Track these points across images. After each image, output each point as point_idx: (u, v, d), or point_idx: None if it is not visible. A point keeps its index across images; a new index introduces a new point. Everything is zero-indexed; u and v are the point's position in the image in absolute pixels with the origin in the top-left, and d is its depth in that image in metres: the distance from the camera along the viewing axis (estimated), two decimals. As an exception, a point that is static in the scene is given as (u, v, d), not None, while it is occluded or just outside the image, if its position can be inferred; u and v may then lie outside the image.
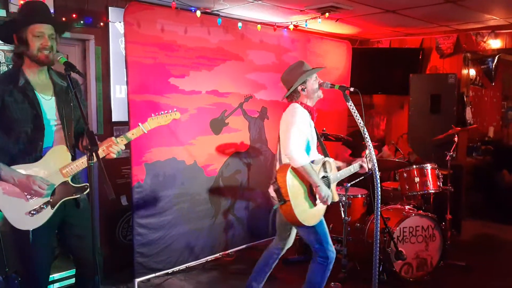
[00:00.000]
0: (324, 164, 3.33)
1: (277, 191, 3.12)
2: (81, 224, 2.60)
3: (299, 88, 3.28)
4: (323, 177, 3.30)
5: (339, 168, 3.47)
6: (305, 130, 3.23)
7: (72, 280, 3.83)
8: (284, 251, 3.63)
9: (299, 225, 3.18)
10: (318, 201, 3.22)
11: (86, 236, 2.49)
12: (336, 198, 3.41)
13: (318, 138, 3.45)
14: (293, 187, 3.11)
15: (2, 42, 3.49)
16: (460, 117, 6.04)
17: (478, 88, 7.10)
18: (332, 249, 3.33)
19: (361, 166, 3.44)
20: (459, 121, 5.86)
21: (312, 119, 3.36)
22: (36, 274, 2.55)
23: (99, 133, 4.18)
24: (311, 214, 3.20)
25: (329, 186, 3.31)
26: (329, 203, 3.25)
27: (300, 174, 3.13)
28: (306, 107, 3.31)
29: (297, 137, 3.12)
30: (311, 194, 3.20)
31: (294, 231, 3.56)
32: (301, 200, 3.15)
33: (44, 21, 2.46)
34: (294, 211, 3.07)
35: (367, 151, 3.41)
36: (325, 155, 3.43)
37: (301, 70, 3.29)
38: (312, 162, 3.23)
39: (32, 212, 2.40)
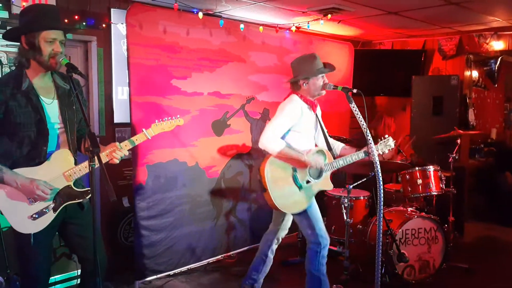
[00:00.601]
0: (317, 153, 3.36)
1: (259, 180, 3.26)
2: (84, 224, 2.60)
3: (301, 82, 3.34)
4: None
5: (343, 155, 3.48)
6: (292, 122, 3.29)
7: (74, 282, 3.85)
8: (279, 238, 3.69)
9: (282, 211, 3.28)
10: (305, 185, 3.25)
11: (89, 237, 2.48)
12: (330, 187, 3.45)
13: (323, 131, 3.49)
14: (272, 176, 3.20)
15: (5, 43, 3.54)
16: (462, 119, 6.02)
17: (480, 90, 7.08)
18: (324, 236, 3.36)
19: (367, 154, 3.35)
20: (461, 123, 5.84)
21: (313, 111, 3.41)
22: (36, 275, 2.55)
23: (101, 134, 4.18)
24: (293, 201, 3.25)
25: (320, 175, 3.35)
26: (319, 167, 3.26)
27: (284, 159, 3.23)
28: (305, 100, 3.37)
29: (276, 130, 3.23)
30: (296, 179, 3.25)
31: (288, 217, 3.59)
32: (281, 186, 3.22)
33: (57, 27, 2.45)
34: (273, 199, 3.17)
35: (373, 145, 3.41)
36: (328, 146, 3.46)
37: (310, 67, 3.32)
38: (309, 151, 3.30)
39: (34, 215, 2.40)
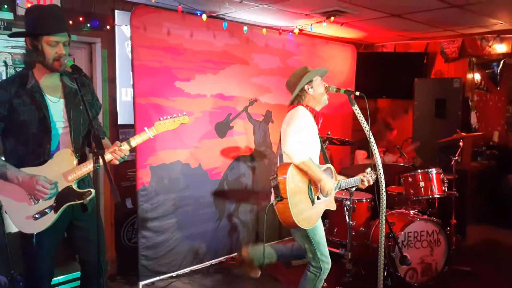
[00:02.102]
0: (325, 171, 3.24)
1: (276, 187, 3.02)
2: (88, 226, 2.59)
3: (306, 87, 3.23)
4: None
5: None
6: (306, 128, 3.15)
7: (77, 283, 3.85)
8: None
9: (293, 226, 3.05)
10: (316, 201, 3.15)
11: (93, 239, 2.48)
12: (334, 208, 3.34)
13: (321, 146, 3.37)
14: (293, 185, 3.01)
15: (10, 45, 3.56)
16: (465, 122, 6.02)
17: (483, 93, 7.07)
18: (326, 260, 3.22)
19: (362, 181, 3.39)
20: (464, 125, 5.84)
21: (317, 123, 3.29)
22: (39, 276, 2.55)
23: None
24: (306, 216, 3.09)
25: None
26: (328, 194, 3.16)
27: (302, 171, 3.07)
28: (311, 110, 3.25)
29: (297, 134, 3.05)
30: (311, 193, 3.13)
31: None
32: (299, 199, 3.05)
33: (60, 30, 2.42)
34: (291, 209, 2.96)
35: (368, 169, 3.42)
36: (326, 161, 3.38)
37: (307, 72, 3.27)
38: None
39: (35, 216, 2.40)
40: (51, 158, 2.46)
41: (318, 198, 3.17)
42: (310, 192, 3.12)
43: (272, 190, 3.08)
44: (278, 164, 3.23)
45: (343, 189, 3.43)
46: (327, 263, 3.22)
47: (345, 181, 3.36)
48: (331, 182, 3.14)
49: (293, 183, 3.02)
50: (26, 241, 2.45)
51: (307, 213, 3.09)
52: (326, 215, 4.37)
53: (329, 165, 3.33)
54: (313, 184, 3.13)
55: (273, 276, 4.33)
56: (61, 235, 2.65)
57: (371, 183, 3.42)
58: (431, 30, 5.71)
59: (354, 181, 3.40)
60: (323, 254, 3.21)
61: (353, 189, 4.07)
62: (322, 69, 3.34)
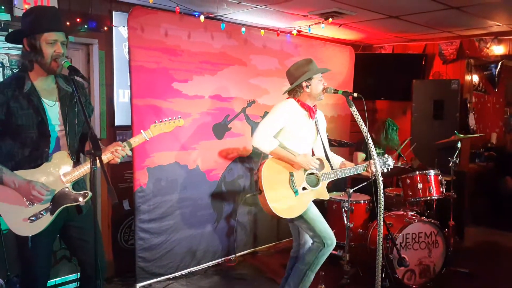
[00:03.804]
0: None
1: (256, 182, 3.19)
2: (85, 228, 2.59)
3: (304, 84, 3.27)
4: (311, 173, 3.30)
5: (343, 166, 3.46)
6: (286, 122, 3.23)
7: (74, 285, 3.84)
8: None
9: (276, 216, 3.18)
10: (301, 191, 3.20)
11: (90, 240, 2.47)
12: (326, 197, 3.38)
13: (321, 139, 3.43)
14: (269, 177, 3.14)
15: (6, 46, 3.54)
16: (463, 123, 6.03)
17: (481, 94, 7.08)
18: (328, 236, 3.27)
19: (365, 170, 3.40)
20: (461, 127, 5.85)
21: (311, 117, 3.35)
22: (34, 277, 2.54)
23: (102, 137, 4.18)
24: (288, 206, 3.16)
25: (318, 183, 3.30)
26: (308, 167, 3.22)
27: (280, 162, 3.19)
28: (303, 104, 3.31)
29: (267, 126, 3.19)
30: (292, 184, 3.19)
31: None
32: (278, 189, 3.15)
33: (58, 28, 2.43)
34: (268, 202, 3.09)
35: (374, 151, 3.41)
36: (326, 156, 3.41)
37: (309, 68, 3.29)
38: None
39: (31, 218, 2.39)
40: (48, 161, 2.45)
41: (304, 189, 3.24)
42: (291, 183, 3.20)
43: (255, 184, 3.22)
44: None
45: (343, 177, 3.43)
46: (329, 239, 3.28)
47: (342, 170, 3.38)
48: (310, 157, 3.23)
49: (269, 175, 3.15)
50: (22, 243, 2.44)
51: (288, 203, 3.17)
52: (324, 216, 4.35)
53: (319, 156, 3.38)
54: (296, 173, 3.21)
55: (271, 279, 4.32)
56: (56, 236, 2.65)
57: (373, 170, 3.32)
58: (429, 31, 5.72)
59: (355, 169, 3.39)
60: (321, 230, 3.27)
61: (352, 190, 4.08)
62: (323, 69, 3.35)
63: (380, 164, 3.37)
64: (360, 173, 3.45)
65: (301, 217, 3.23)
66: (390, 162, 3.47)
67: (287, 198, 3.18)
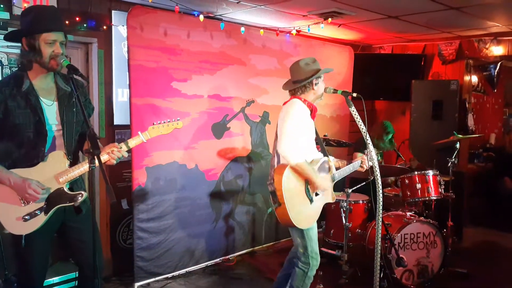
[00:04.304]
0: (322, 165, 3.29)
1: (273, 193, 3.05)
2: (84, 228, 2.58)
3: (314, 81, 3.21)
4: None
5: (338, 168, 3.47)
6: (302, 126, 3.15)
7: (71, 284, 3.83)
8: None
9: (292, 226, 3.12)
10: (315, 198, 3.19)
11: (88, 241, 2.46)
12: (332, 199, 3.38)
13: (318, 139, 3.43)
14: (289, 189, 3.02)
15: (5, 45, 3.54)
16: (461, 124, 6.03)
17: (480, 95, 7.09)
18: (316, 257, 3.25)
19: (361, 165, 3.44)
20: (460, 127, 5.85)
21: (312, 117, 3.31)
22: (30, 277, 2.53)
23: (100, 136, 4.18)
24: (306, 216, 3.14)
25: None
26: (323, 193, 3.23)
27: (297, 172, 3.08)
28: (309, 104, 3.24)
29: (292, 133, 3.04)
30: (308, 192, 3.16)
31: None
32: (297, 201, 3.08)
33: (56, 28, 2.42)
34: (289, 214, 3.00)
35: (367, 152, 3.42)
36: (324, 154, 3.41)
37: (318, 65, 3.26)
38: (311, 162, 3.23)
39: (25, 217, 2.38)
40: (44, 160, 2.45)
41: (316, 194, 3.22)
42: (307, 191, 3.15)
43: (270, 195, 3.11)
44: (275, 163, 3.25)
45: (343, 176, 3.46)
46: (316, 260, 3.26)
47: (343, 170, 3.40)
48: (325, 180, 3.20)
49: (289, 187, 3.03)
50: (17, 242, 2.43)
51: (306, 212, 3.13)
52: (323, 217, 4.36)
53: (325, 158, 3.36)
54: (310, 182, 3.15)
55: (270, 279, 4.32)
56: (53, 236, 2.63)
57: (367, 165, 3.42)
58: (429, 32, 5.72)
59: (352, 166, 3.42)
60: (313, 251, 3.24)
61: (351, 190, 4.09)
62: (329, 68, 3.34)
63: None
64: (358, 170, 3.49)
65: (301, 232, 3.18)
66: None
67: (305, 207, 3.12)
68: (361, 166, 3.46)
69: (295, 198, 3.06)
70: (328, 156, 3.41)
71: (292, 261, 3.44)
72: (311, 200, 3.15)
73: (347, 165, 3.49)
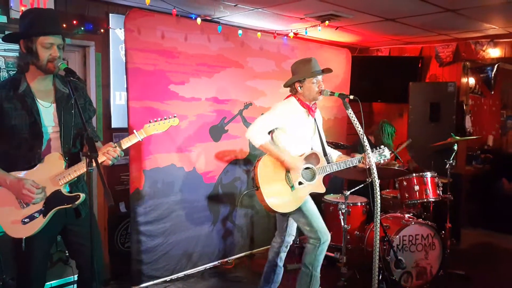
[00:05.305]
0: (309, 156, 3.38)
1: (253, 179, 3.30)
2: (83, 231, 2.56)
3: (296, 84, 3.38)
4: (306, 168, 3.35)
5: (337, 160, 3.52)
6: (288, 122, 3.32)
7: (70, 287, 3.82)
8: (287, 244, 3.61)
9: (273, 212, 3.29)
10: (297, 186, 3.27)
11: (88, 244, 2.45)
12: (322, 190, 3.42)
13: (320, 135, 3.49)
14: (265, 174, 3.23)
15: (3, 48, 3.54)
16: (459, 126, 6.04)
17: (477, 97, 7.11)
18: (323, 231, 3.34)
19: (361, 162, 3.43)
20: (458, 129, 5.86)
21: (312, 116, 3.43)
22: (30, 280, 2.52)
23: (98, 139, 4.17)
24: (285, 201, 3.26)
25: (314, 177, 3.36)
26: (296, 171, 3.28)
27: (272, 156, 3.27)
28: (302, 103, 3.39)
29: (262, 122, 3.30)
30: (289, 179, 3.28)
31: (291, 222, 3.56)
32: (274, 186, 3.24)
33: (54, 32, 2.42)
34: (265, 198, 3.18)
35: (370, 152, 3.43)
36: (324, 152, 3.47)
37: (304, 69, 3.35)
38: (301, 155, 3.36)
39: (24, 220, 2.38)
40: (41, 162, 2.44)
41: (300, 183, 3.30)
42: (288, 178, 3.28)
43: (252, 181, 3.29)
44: None
45: (339, 170, 3.46)
46: (325, 234, 3.35)
47: (336, 164, 3.43)
48: (297, 160, 3.30)
49: (265, 172, 3.25)
50: (17, 246, 2.42)
51: (285, 198, 3.26)
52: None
53: (314, 150, 3.44)
54: (281, 163, 3.28)
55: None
56: (54, 239, 2.63)
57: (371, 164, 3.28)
58: (426, 34, 5.74)
59: (350, 162, 3.43)
60: (318, 226, 3.34)
61: (349, 192, 4.09)
62: (315, 72, 3.35)
63: (376, 156, 3.44)
64: (356, 169, 3.53)
65: (299, 210, 3.30)
66: (387, 153, 3.48)
67: (284, 193, 3.26)
68: (362, 162, 3.44)
69: (272, 182, 3.25)
70: (326, 152, 3.49)
71: (275, 253, 3.60)
72: (291, 187, 3.27)
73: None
